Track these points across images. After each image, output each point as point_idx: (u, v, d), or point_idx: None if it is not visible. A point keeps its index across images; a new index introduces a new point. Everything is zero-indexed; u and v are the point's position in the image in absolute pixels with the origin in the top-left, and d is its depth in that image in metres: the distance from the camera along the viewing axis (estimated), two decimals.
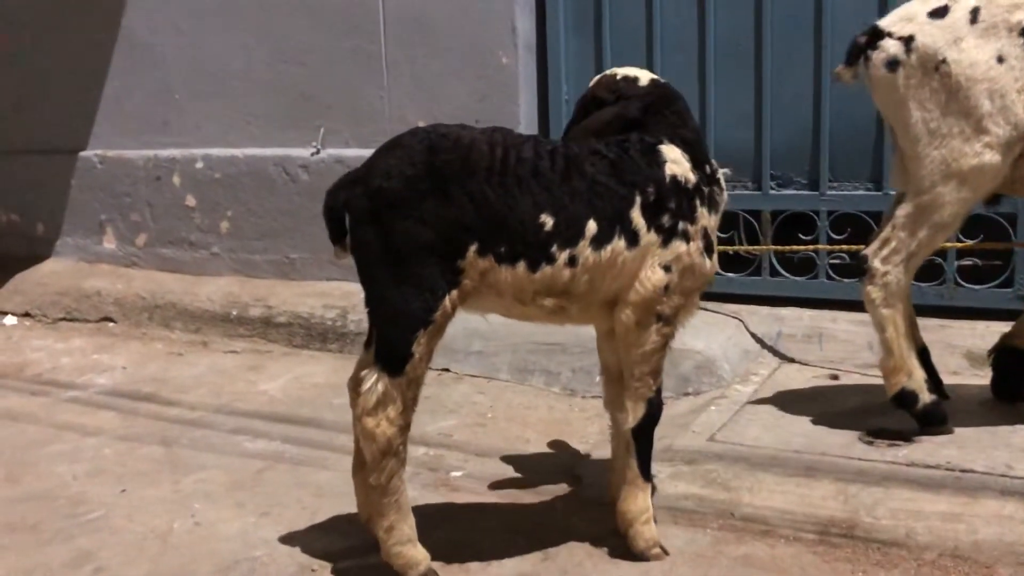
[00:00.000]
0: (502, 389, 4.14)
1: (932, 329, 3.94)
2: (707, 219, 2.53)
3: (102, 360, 4.86)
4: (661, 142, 2.54)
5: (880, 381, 3.32)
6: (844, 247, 4.23)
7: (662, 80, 2.73)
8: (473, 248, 2.37)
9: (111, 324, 5.45)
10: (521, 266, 2.40)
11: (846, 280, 4.30)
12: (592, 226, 2.41)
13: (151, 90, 5.70)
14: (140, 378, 4.53)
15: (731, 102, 4.48)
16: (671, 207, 2.46)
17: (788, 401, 3.56)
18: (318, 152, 5.19)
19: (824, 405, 3.50)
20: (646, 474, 2.59)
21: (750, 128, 4.45)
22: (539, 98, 4.82)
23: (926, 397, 3.15)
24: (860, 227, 4.23)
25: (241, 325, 5.11)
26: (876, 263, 3.10)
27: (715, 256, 2.58)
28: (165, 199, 5.70)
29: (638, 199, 2.44)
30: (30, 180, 6.22)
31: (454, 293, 2.38)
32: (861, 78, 3.12)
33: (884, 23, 3.07)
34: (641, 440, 2.57)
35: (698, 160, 2.57)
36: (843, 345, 4.04)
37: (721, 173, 2.65)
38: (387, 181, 2.35)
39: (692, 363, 3.89)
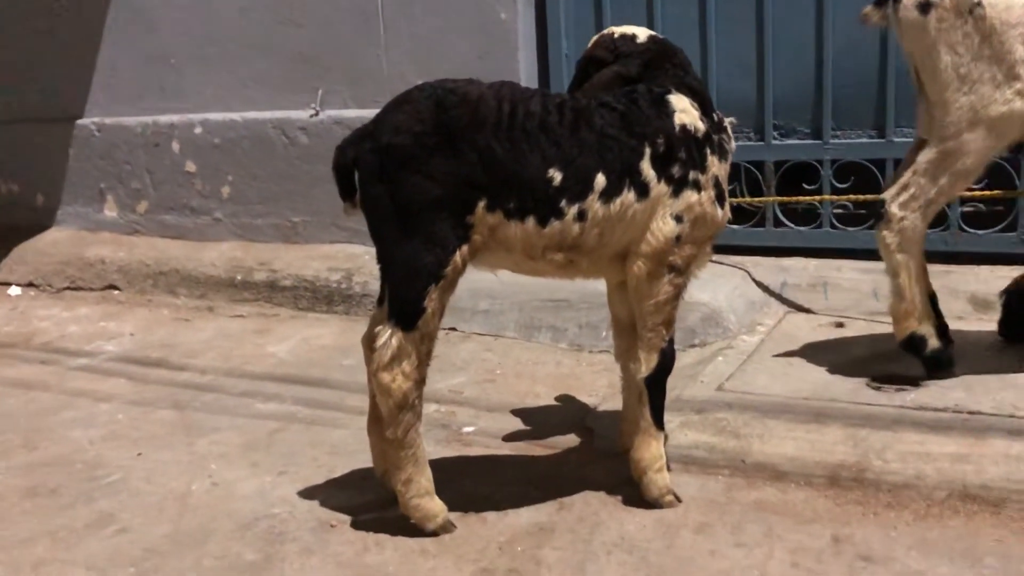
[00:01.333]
0: (509, 346, 4.16)
1: (936, 275, 3.92)
2: (718, 167, 2.53)
3: (109, 327, 4.88)
4: (669, 92, 2.53)
5: (886, 328, 3.35)
6: (848, 197, 4.23)
7: (659, 36, 2.72)
8: (482, 204, 2.38)
9: (116, 292, 5.46)
10: (530, 221, 2.41)
11: (850, 229, 4.31)
12: (601, 179, 2.41)
13: (147, 56, 5.65)
14: (148, 344, 4.55)
15: (732, 52, 4.45)
16: (681, 157, 2.46)
17: (795, 350, 3.59)
18: (317, 114, 5.16)
19: (831, 353, 3.53)
20: (659, 423, 2.62)
21: (752, 78, 4.42)
22: (539, 54, 4.79)
23: (935, 342, 3.18)
24: (863, 176, 4.24)
25: (246, 289, 5.12)
26: (894, 208, 3.10)
27: (727, 205, 2.58)
28: (165, 166, 5.68)
29: (648, 150, 2.44)
30: (28, 150, 6.18)
31: (464, 248, 2.40)
32: (888, 21, 3.08)
33: None
34: (654, 389, 2.59)
35: (705, 109, 2.57)
36: (848, 294, 4.06)
37: (728, 122, 2.65)
38: (396, 137, 2.36)
39: (698, 315, 3.91)
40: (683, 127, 2.48)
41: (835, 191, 4.31)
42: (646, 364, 2.57)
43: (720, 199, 2.53)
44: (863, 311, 3.92)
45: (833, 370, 3.35)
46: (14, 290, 5.68)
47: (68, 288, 5.60)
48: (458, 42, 4.77)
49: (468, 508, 2.68)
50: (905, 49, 3.13)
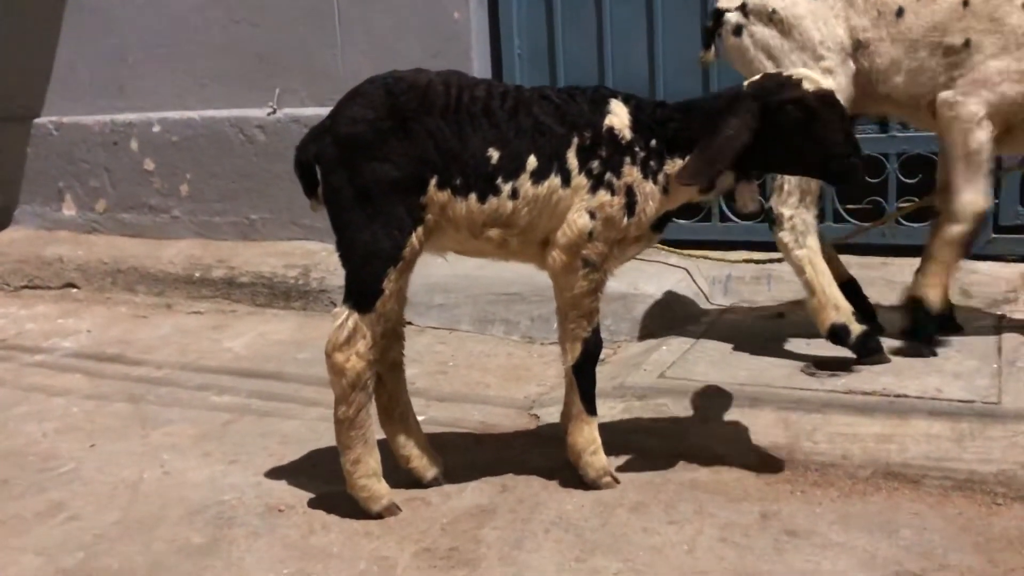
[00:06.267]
0: (463, 339, 4.25)
1: (874, 267, 4.12)
2: (635, 178, 2.55)
3: (67, 325, 4.90)
4: (615, 96, 2.63)
5: None
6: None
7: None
8: (433, 182, 2.52)
9: (74, 290, 5.47)
10: (472, 197, 2.54)
11: None
12: (532, 161, 2.53)
13: (104, 54, 5.67)
14: (105, 340, 4.58)
15: (679, 52, 4.57)
16: (601, 155, 2.55)
17: (735, 339, 3.71)
18: (274, 112, 5.22)
19: (769, 341, 3.65)
20: (590, 408, 2.72)
21: (698, 78, 4.54)
22: (492, 53, 4.88)
23: (856, 329, 3.32)
24: None
25: (204, 286, 5.16)
26: (780, 209, 3.39)
27: (638, 218, 2.58)
28: (123, 164, 5.70)
29: (575, 141, 2.55)
30: None
31: (419, 229, 2.53)
32: (722, 54, 3.56)
33: (721, 4, 3.50)
34: (581, 377, 2.69)
35: (646, 125, 2.58)
36: (789, 285, 4.15)
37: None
38: (353, 127, 2.50)
39: (644, 306, 4.01)
40: (610, 129, 2.56)
41: None
42: (571, 354, 2.68)
43: (630, 208, 2.56)
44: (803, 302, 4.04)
45: (770, 357, 3.47)
46: None
47: (26, 287, 5.60)
48: (412, 41, 4.85)
49: (413, 492, 2.76)
50: (739, 71, 3.47)
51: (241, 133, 5.31)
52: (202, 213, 5.52)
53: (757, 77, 2.61)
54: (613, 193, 2.55)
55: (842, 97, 3.19)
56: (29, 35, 5.87)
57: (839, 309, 3.33)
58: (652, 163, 2.58)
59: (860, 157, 2.51)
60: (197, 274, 5.22)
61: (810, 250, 3.37)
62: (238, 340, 4.46)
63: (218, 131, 5.37)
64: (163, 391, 3.82)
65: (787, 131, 2.47)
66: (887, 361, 3.32)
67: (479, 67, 4.79)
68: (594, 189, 2.54)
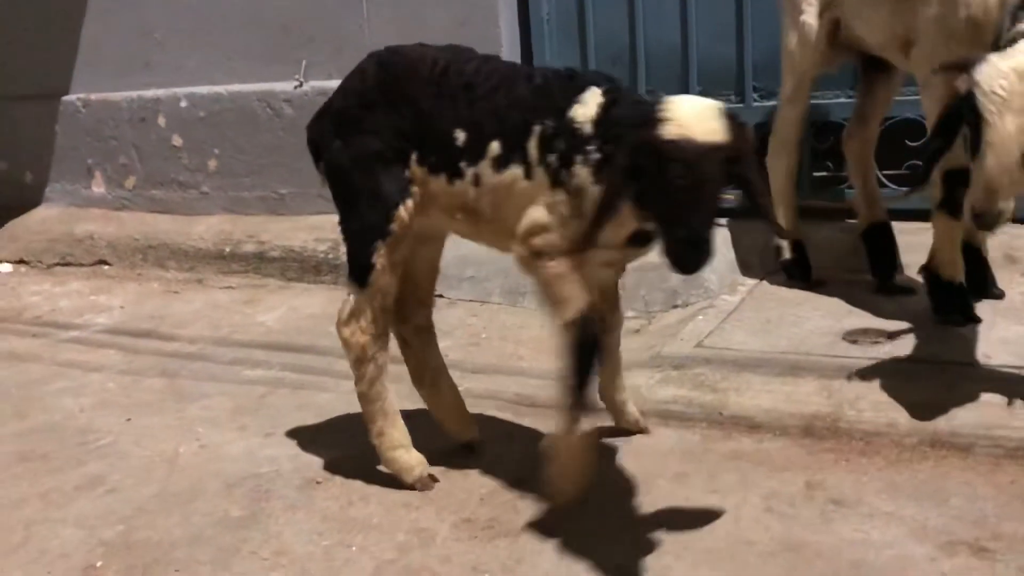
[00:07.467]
0: (495, 311, 4.21)
1: (914, 232, 4.00)
2: (584, 181, 2.22)
3: (100, 301, 4.91)
4: (598, 84, 2.26)
5: (863, 284, 3.41)
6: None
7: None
8: (414, 156, 2.45)
9: (106, 267, 5.49)
10: (442, 177, 2.44)
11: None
12: (495, 147, 2.33)
13: (130, 31, 5.64)
14: (138, 316, 4.59)
15: (712, 14, 4.47)
16: (560, 147, 2.25)
17: (774, 307, 3.64)
18: (301, 85, 5.17)
19: (809, 309, 3.58)
20: (570, 403, 2.33)
21: (732, 40, 4.45)
22: (520, 19, 4.80)
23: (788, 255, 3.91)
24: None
25: (235, 261, 5.15)
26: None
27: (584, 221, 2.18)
28: (151, 140, 5.68)
29: (537, 129, 2.28)
30: (14, 127, 6.18)
31: (408, 203, 2.46)
32: None
33: None
34: (566, 361, 2.32)
35: (611, 126, 2.18)
36: (827, 252, 4.08)
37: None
38: (344, 101, 2.51)
39: (680, 276, 3.93)
40: (571, 120, 2.23)
41: (814, 152, 4.36)
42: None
43: (578, 214, 2.21)
44: (842, 268, 3.96)
45: (810, 325, 3.41)
46: (5, 267, 5.69)
47: (58, 264, 5.63)
48: (439, 10, 4.77)
49: (452, 463, 2.74)
50: None
51: (268, 107, 5.27)
52: (231, 188, 5.50)
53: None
54: (566, 192, 2.24)
55: (814, 44, 3.67)
56: (55, 12, 5.84)
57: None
58: (604, 171, 2.16)
59: (699, 245, 1.93)
60: (227, 249, 5.21)
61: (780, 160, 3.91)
62: (270, 314, 4.45)
63: (245, 105, 5.33)
64: (197, 366, 3.82)
65: (641, 179, 2.01)
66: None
67: (508, 34, 4.71)
68: (552, 185, 2.26)
